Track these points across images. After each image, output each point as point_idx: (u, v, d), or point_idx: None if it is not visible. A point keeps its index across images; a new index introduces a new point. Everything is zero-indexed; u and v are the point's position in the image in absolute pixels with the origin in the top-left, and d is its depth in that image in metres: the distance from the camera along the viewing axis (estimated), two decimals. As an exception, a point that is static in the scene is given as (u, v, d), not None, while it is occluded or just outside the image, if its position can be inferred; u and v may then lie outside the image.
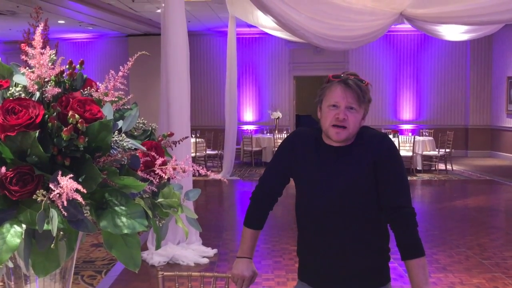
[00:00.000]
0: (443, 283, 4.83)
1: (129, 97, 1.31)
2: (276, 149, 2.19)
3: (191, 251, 5.58)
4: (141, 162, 1.21)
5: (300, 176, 2.05)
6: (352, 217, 1.97)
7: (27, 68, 1.15)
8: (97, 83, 1.27)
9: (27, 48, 1.15)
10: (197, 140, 11.99)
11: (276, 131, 13.58)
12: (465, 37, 10.33)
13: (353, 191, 1.95)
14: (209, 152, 12.82)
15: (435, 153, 12.22)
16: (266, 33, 12.12)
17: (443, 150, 12.12)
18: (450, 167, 12.34)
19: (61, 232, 1.06)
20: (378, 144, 1.97)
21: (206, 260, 5.50)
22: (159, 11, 9.88)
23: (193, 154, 11.37)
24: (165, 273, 2.26)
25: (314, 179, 2.00)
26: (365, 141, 1.98)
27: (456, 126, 15.23)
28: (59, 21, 12.96)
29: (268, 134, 14.00)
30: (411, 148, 11.73)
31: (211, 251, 5.70)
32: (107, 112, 1.18)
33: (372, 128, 2.07)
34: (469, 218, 7.85)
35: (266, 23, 9.67)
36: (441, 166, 12.30)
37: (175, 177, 1.22)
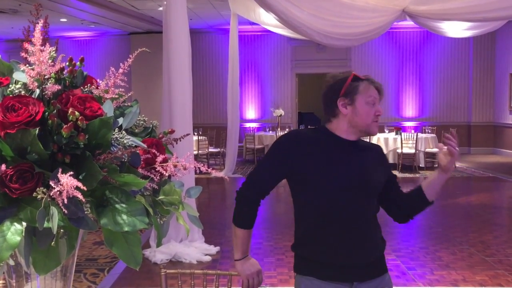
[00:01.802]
0: (446, 280, 4.82)
1: (129, 94, 1.31)
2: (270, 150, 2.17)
3: (193, 248, 5.58)
4: (141, 159, 1.20)
5: (319, 173, 2.03)
6: (369, 206, 2.09)
7: (27, 65, 1.14)
8: (98, 80, 1.26)
9: (27, 46, 1.14)
10: (199, 138, 11.99)
11: (279, 129, 13.57)
12: (467, 33, 10.31)
13: (374, 185, 2.10)
14: (211, 150, 12.82)
15: (437, 150, 12.17)
16: (268, 31, 12.10)
17: (446, 147, 12.07)
18: (453, 164, 12.30)
19: (62, 230, 1.06)
20: (383, 155, 2.25)
21: (208, 258, 5.50)
22: (161, 9, 9.88)
23: (195, 152, 11.38)
24: (168, 271, 2.25)
25: (339, 172, 2.03)
26: (370, 144, 2.24)
27: (458, 123, 15.20)
28: (61, 19, 12.97)
29: (270, 131, 13.99)
30: (414, 145, 11.71)
31: (213, 249, 5.70)
32: (108, 109, 1.18)
33: None
34: (472, 215, 7.84)
35: (268, 20, 9.66)
36: (444, 163, 12.26)
37: (176, 174, 1.21)
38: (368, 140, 2.26)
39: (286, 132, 2.18)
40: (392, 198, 2.19)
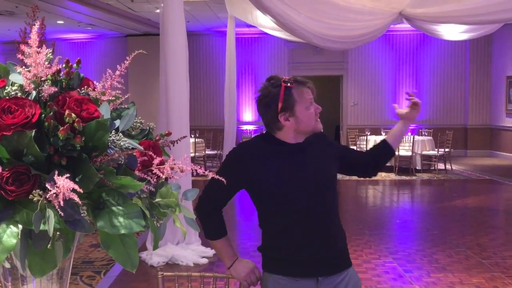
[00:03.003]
0: (442, 283, 4.82)
1: (126, 96, 1.30)
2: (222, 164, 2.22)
3: (190, 251, 5.57)
4: (138, 161, 1.20)
5: (275, 182, 2.06)
6: (328, 200, 2.13)
7: (23, 67, 1.14)
8: (94, 82, 1.26)
9: (23, 47, 1.14)
10: (196, 140, 11.98)
11: (276, 131, 13.55)
12: (464, 36, 10.33)
13: (328, 178, 2.16)
14: (208, 152, 12.81)
15: (434, 152, 12.22)
16: (265, 33, 12.11)
17: (443, 149, 12.12)
18: (450, 167, 12.34)
19: (58, 233, 1.05)
20: (324, 139, 2.23)
21: (205, 260, 5.49)
22: (158, 11, 9.88)
23: (192, 154, 11.36)
24: (164, 273, 2.25)
25: (295, 176, 2.06)
26: (312, 138, 2.16)
27: (455, 126, 15.23)
28: (58, 21, 12.95)
29: (267, 134, 13.96)
30: (411, 147, 11.73)
31: (210, 251, 5.69)
32: (104, 111, 1.18)
33: None
34: (469, 217, 7.85)
35: (265, 23, 9.67)
36: (441, 166, 12.30)
37: (172, 176, 1.21)
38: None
39: (237, 145, 2.21)
40: (356, 162, 2.32)
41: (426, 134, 13.61)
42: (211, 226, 2.20)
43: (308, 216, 2.07)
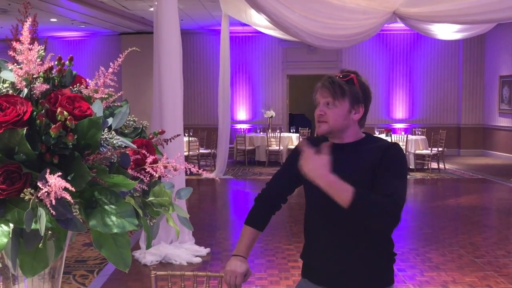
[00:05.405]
0: (436, 282, 4.83)
1: (119, 94, 1.29)
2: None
3: (184, 250, 5.56)
4: (131, 160, 1.19)
5: (306, 180, 2.05)
6: (353, 219, 1.94)
7: (15, 64, 1.13)
8: (87, 79, 1.25)
9: (15, 44, 1.12)
10: (190, 139, 11.96)
11: (270, 130, 13.56)
12: (457, 36, 10.37)
13: (361, 186, 1.86)
14: (202, 151, 12.79)
15: (427, 152, 12.26)
16: (260, 32, 12.10)
17: (436, 149, 12.16)
18: (443, 166, 12.38)
19: (49, 232, 1.04)
20: (384, 152, 2.01)
21: (199, 259, 5.48)
22: (152, 9, 9.85)
23: (186, 153, 11.34)
24: (157, 273, 2.24)
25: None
26: (376, 143, 2.08)
27: (448, 125, 15.28)
28: (51, 19, 12.89)
29: (261, 133, 13.98)
30: (404, 147, 11.75)
31: (204, 250, 5.68)
32: (97, 109, 1.16)
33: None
34: (462, 216, 7.87)
35: (259, 21, 9.66)
36: (434, 165, 12.34)
37: (166, 175, 1.20)
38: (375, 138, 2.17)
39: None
40: None
41: (419, 133, 13.64)
42: (252, 209, 2.20)
43: (329, 223, 2.02)
